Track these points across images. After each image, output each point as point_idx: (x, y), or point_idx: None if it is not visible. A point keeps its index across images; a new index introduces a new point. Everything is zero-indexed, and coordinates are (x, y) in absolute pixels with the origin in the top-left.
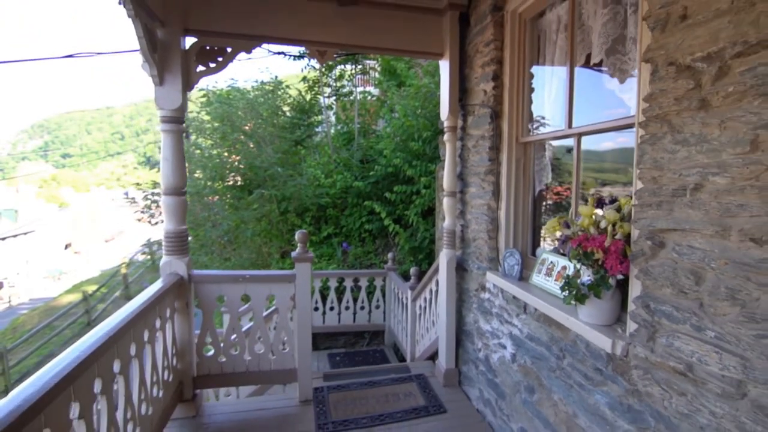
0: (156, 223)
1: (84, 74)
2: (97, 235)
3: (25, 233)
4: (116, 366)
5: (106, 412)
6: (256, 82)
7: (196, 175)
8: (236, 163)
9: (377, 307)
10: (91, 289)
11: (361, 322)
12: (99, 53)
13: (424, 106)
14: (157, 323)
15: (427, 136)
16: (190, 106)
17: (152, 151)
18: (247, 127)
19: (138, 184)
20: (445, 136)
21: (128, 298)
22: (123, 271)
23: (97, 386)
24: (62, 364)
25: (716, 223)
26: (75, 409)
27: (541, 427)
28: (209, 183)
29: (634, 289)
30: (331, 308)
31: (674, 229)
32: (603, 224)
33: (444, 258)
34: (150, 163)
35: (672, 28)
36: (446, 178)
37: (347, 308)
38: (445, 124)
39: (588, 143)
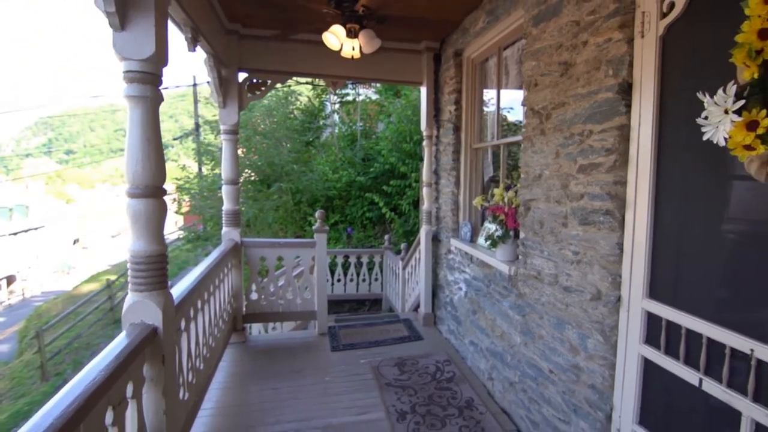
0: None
1: (83, 72)
2: (104, 231)
3: (36, 229)
4: (211, 288)
5: (207, 314)
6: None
7: (217, 171)
8: (257, 161)
9: (376, 279)
10: (109, 279)
11: (362, 292)
12: (190, 85)
13: (415, 113)
14: (225, 270)
15: (417, 138)
16: (214, 112)
17: None
18: (261, 128)
19: (176, 178)
20: (424, 142)
21: None
22: None
23: (206, 296)
24: (191, 278)
25: (545, 195)
26: (203, 301)
27: (479, 333)
28: None
29: (521, 236)
30: (338, 280)
31: (533, 199)
32: (506, 199)
33: (423, 232)
34: None
35: (532, 89)
36: (425, 173)
37: (351, 280)
38: (424, 133)
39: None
